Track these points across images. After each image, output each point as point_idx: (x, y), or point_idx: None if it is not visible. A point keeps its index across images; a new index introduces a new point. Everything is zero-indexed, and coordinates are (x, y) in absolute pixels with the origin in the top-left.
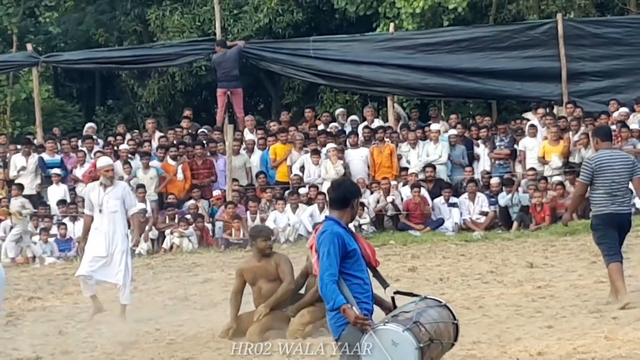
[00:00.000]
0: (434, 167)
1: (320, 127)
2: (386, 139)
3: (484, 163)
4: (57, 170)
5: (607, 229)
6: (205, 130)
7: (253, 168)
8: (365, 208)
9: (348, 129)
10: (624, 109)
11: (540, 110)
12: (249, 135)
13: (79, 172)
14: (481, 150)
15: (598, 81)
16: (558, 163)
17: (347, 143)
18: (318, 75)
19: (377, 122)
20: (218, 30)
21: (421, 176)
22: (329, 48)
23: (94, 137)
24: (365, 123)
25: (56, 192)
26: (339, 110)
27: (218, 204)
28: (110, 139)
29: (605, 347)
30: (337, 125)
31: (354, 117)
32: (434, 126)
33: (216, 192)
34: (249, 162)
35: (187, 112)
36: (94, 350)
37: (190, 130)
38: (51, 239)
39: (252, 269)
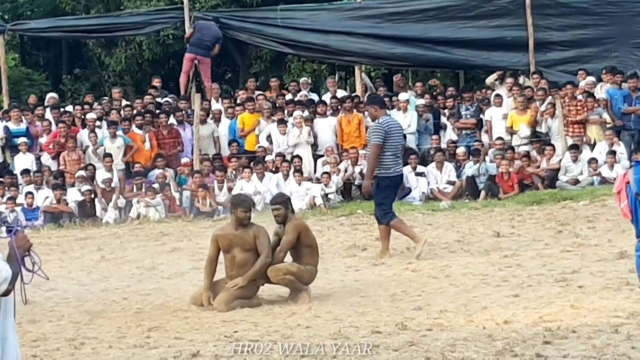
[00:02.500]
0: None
1: (288, 96)
2: (354, 109)
3: (450, 132)
4: (24, 139)
5: (392, 190)
6: (170, 100)
7: (221, 137)
8: (333, 177)
9: (316, 97)
10: (590, 79)
11: (509, 80)
12: (216, 105)
13: (45, 141)
14: (447, 118)
15: (565, 51)
16: (527, 132)
17: (315, 112)
18: (286, 44)
19: (340, 93)
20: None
21: None
22: (297, 17)
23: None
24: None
25: (23, 161)
26: (302, 79)
27: (186, 172)
28: (78, 108)
29: (571, 315)
30: (306, 93)
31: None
32: (403, 96)
33: (184, 160)
34: (216, 132)
35: (155, 81)
36: (60, 319)
37: (157, 99)
38: (18, 208)
39: (228, 237)
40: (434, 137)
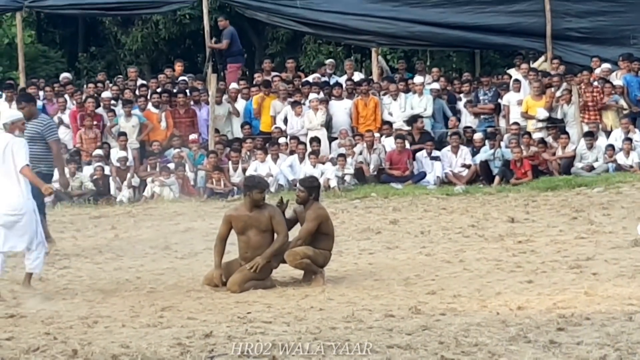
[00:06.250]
0: (422, 120)
1: (305, 78)
2: (370, 92)
3: (466, 117)
4: None
5: None
6: (187, 79)
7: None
8: (349, 159)
9: (333, 80)
10: (605, 65)
11: (524, 66)
12: (232, 85)
13: (64, 117)
14: (463, 104)
15: (583, 37)
16: (545, 114)
17: (331, 94)
18: (304, 23)
19: (358, 75)
20: None
21: (405, 128)
22: (315, 0)
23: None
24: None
25: None
26: (328, 61)
27: (194, 149)
28: (91, 86)
29: (585, 302)
30: (319, 75)
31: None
32: (418, 79)
33: (192, 136)
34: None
35: (177, 65)
36: (74, 297)
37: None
38: None
39: (242, 218)
40: (453, 118)
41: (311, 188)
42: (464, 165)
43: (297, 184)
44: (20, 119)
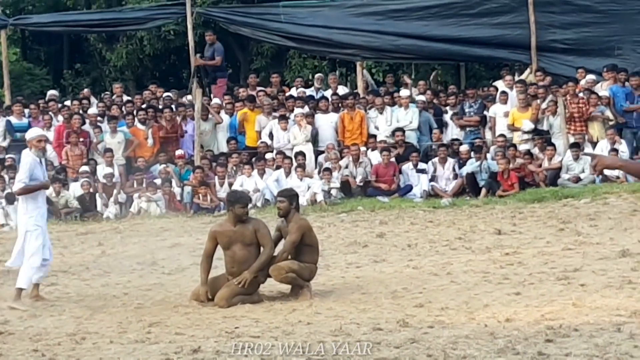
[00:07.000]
0: (403, 131)
1: (289, 92)
2: (356, 106)
3: (452, 130)
4: None
5: None
6: (171, 95)
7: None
8: (334, 173)
9: (320, 94)
10: (590, 77)
11: (509, 77)
12: (215, 100)
13: (49, 135)
14: (449, 117)
15: (568, 49)
16: (531, 125)
17: (317, 108)
18: (289, 38)
19: (342, 89)
20: None
21: (390, 142)
22: (299, 14)
23: (55, 100)
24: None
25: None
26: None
27: (180, 164)
28: (75, 102)
29: (573, 314)
30: (304, 90)
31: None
32: (404, 92)
33: (179, 152)
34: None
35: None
36: (61, 313)
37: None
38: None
39: (227, 233)
40: (436, 131)
41: (291, 197)
42: (452, 177)
43: (277, 197)
44: (34, 137)
